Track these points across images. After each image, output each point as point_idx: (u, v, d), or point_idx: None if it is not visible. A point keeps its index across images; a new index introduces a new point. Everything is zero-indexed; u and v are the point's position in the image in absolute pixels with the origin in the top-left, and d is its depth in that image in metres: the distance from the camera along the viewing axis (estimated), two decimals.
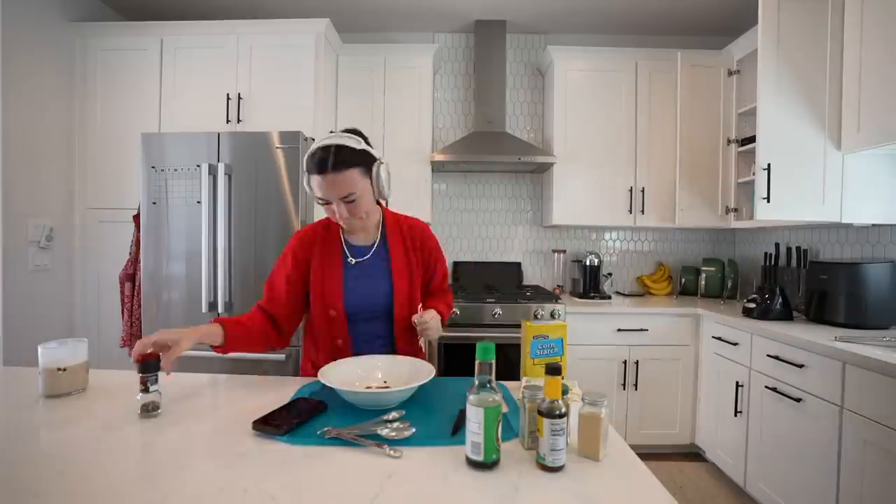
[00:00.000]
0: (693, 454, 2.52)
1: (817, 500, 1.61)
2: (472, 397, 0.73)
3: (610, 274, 3.02)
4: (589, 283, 2.82)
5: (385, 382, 1.07)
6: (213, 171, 2.22)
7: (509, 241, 3.12)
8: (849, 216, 1.97)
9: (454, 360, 2.41)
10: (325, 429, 0.83)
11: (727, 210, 2.69)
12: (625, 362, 2.45)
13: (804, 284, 2.22)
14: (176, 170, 2.24)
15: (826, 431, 1.59)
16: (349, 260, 1.20)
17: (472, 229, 3.13)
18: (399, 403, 0.97)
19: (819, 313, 1.99)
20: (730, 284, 2.80)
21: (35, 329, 2.29)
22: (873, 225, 2.08)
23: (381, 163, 1.14)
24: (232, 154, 2.23)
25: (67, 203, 2.51)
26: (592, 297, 2.73)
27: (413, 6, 2.76)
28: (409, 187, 2.71)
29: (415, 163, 2.73)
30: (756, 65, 2.06)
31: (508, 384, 1.13)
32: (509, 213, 3.13)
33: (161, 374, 0.95)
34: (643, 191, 2.74)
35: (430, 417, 0.91)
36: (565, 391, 0.89)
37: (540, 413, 0.74)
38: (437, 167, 2.86)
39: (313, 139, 2.43)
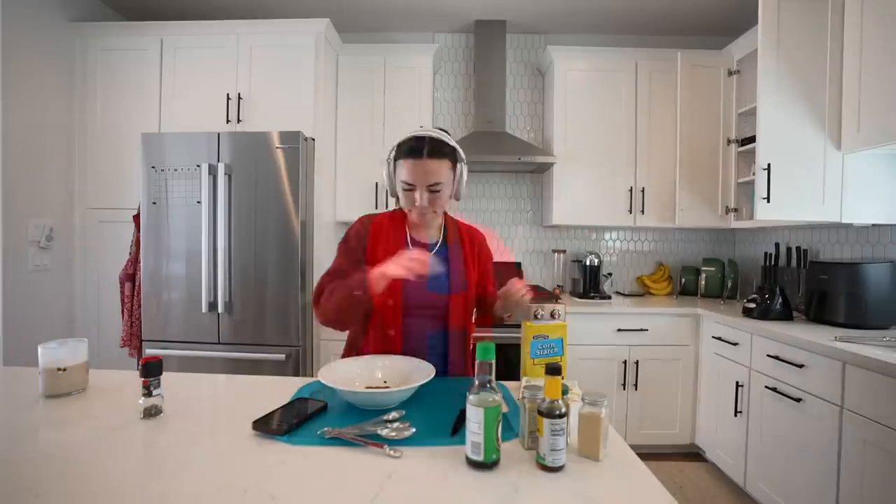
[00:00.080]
0: (693, 454, 2.52)
1: (817, 500, 1.61)
2: (472, 397, 0.73)
3: (610, 274, 3.02)
4: (589, 283, 2.82)
5: (385, 382, 1.07)
6: (213, 171, 2.22)
7: (509, 241, 3.12)
8: (849, 216, 1.97)
9: None
10: (325, 429, 0.83)
11: (727, 210, 2.69)
12: (625, 362, 2.45)
13: (804, 284, 2.22)
14: (176, 170, 2.24)
15: (826, 431, 1.59)
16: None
17: None
18: (399, 403, 0.97)
19: (819, 313, 1.99)
20: (730, 284, 2.80)
21: (35, 329, 2.29)
22: (873, 225, 2.08)
23: (464, 164, 1.20)
24: (232, 154, 2.23)
25: (67, 203, 2.51)
26: (592, 297, 2.73)
27: (413, 6, 2.76)
28: None
29: None
30: (756, 65, 2.06)
31: (508, 384, 1.13)
32: (509, 213, 3.13)
33: (163, 378, 0.95)
34: (643, 191, 2.74)
35: (430, 417, 0.91)
36: (565, 391, 0.89)
37: (540, 413, 0.74)
38: None
39: (313, 139, 2.43)
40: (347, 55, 2.73)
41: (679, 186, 2.67)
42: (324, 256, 2.57)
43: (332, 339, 2.44)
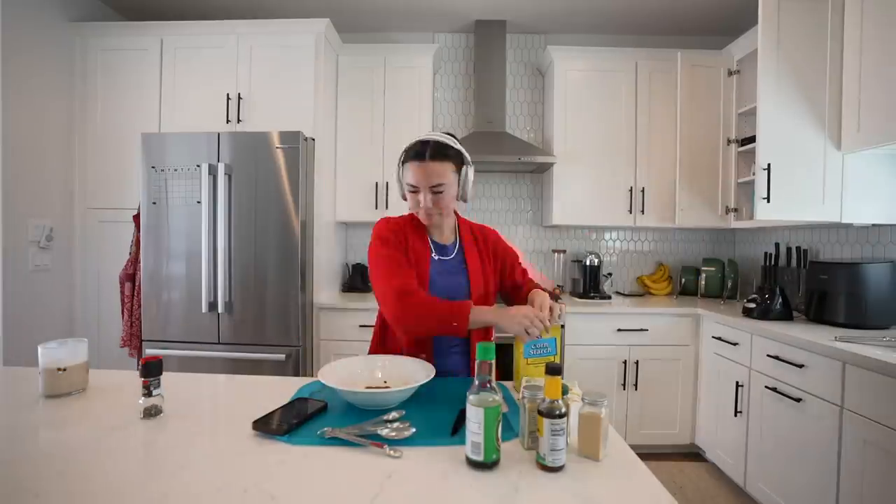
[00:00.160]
0: (693, 454, 2.52)
1: (817, 500, 1.61)
2: (472, 397, 0.73)
3: (610, 274, 3.02)
4: (589, 283, 2.82)
5: (385, 382, 1.07)
6: (213, 171, 2.22)
7: (509, 241, 3.12)
8: (849, 216, 1.97)
9: None
10: (325, 429, 0.83)
11: (727, 210, 2.69)
12: (625, 362, 2.45)
13: (804, 284, 2.22)
14: (176, 170, 2.24)
15: (826, 431, 1.59)
16: (434, 256, 1.25)
17: None
18: (399, 403, 0.97)
19: (819, 313, 1.99)
20: (730, 284, 2.80)
21: (35, 329, 2.30)
22: (873, 225, 2.08)
23: (470, 166, 1.23)
24: (232, 154, 2.23)
25: (67, 203, 2.51)
26: (592, 297, 2.73)
27: (413, 6, 2.76)
28: None
29: None
30: (756, 65, 2.06)
31: (508, 384, 1.14)
32: (509, 213, 3.13)
33: (163, 378, 0.95)
34: (643, 191, 2.74)
35: (430, 417, 0.91)
36: (565, 391, 0.89)
37: (540, 413, 0.74)
38: None
39: (313, 139, 2.43)
40: (347, 55, 2.73)
41: (679, 186, 2.67)
42: (324, 256, 2.58)
43: (331, 340, 2.44)
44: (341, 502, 0.64)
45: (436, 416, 0.92)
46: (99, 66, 2.52)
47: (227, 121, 2.47)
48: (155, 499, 0.64)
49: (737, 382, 2.08)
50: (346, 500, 0.65)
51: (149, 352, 2.24)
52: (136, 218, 2.32)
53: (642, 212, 2.75)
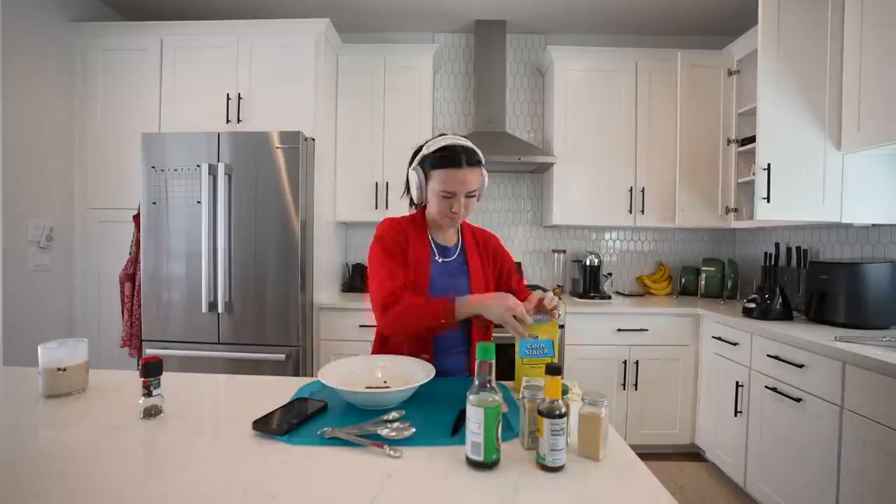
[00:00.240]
0: (693, 454, 2.52)
1: (817, 500, 1.61)
2: (472, 397, 0.73)
3: (610, 274, 3.02)
4: (589, 283, 2.82)
5: (385, 382, 1.07)
6: (213, 171, 2.22)
7: (509, 241, 3.12)
8: (849, 216, 1.97)
9: None
10: (325, 429, 0.83)
11: (727, 210, 2.69)
12: (625, 362, 2.45)
13: (804, 284, 2.22)
14: (176, 170, 2.24)
15: (826, 431, 1.59)
16: (436, 258, 1.26)
17: None
18: (399, 403, 0.97)
19: (819, 313, 1.99)
20: (730, 284, 2.80)
21: (35, 329, 2.29)
22: (873, 225, 2.08)
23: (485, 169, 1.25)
24: (232, 154, 2.23)
25: (67, 203, 2.51)
26: (592, 297, 2.73)
27: (413, 6, 2.76)
28: None
29: None
30: (756, 65, 2.06)
31: (508, 384, 1.14)
32: (509, 213, 3.13)
33: (163, 378, 0.95)
34: (643, 191, 2.74)
35: (430, 417, 0.91)
36: (565, 391, 0.89)
37: (540, 413, 0.74)
38: None
39: (313, 139, 2.43)
40: (347, 55, 2.73)
41: (679, 186, 2.67)
42: (324, 256, 2.58)
43: (331, 340, 2.44)
44: (341, 502, 0.64)
45: (436, 416, 0.92)
46: (99, 66, 2.52)
47: (227, 121, 2.47)
48: (155, 499, 0.64)
49: (737, 382, 2.08)
50: (346, 500, 0.65)
51: (149, 352, 2.24)
52: (136, 218, 2.32)
53: (642, 212, 2.75)
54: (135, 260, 2.33)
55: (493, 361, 0.77)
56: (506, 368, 1.17)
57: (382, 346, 1.26)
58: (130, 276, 2.33)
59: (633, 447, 0.84)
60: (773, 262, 2.37)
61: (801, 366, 1.71)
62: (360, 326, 2.41)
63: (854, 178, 1.96)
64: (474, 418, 0.72)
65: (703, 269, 2.90)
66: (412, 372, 1.06)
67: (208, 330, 2.25)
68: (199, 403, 1.04)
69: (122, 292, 2.34)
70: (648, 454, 2.44)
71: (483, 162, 1.21)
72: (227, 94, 2.47)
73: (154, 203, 2.26)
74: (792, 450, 1.76)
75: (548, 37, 3.10)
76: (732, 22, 2.83)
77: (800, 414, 1.72)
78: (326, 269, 2.65)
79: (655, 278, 3.03)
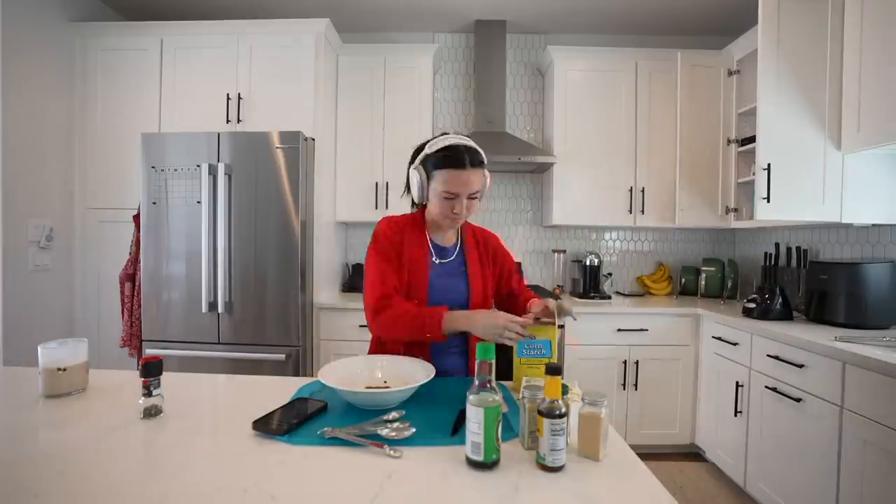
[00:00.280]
0: (693, 454, 2.51)
1: (817, 500, 1.61)
2: (472, 397, 0.73)
3: (610, 274, 3.02)
4: (589, 283, 2.82)
5: (385, 382, 1.07)
6: (213, 171, 2.22)
7: (509, 241, 3.12)
8: (849, 216, 1.97)
9: None
10: (325, 429, 0.83)
11: (727, 210, 2.69)
12: (625, 362, 2.45)
13: (804, 284, 2.22)
14: (176, 170, 2.24)
15: (826, 431, 1.59)
16: (434, 259, 1.24)
17: None
18: (399, 403, 0.97)
19: (819, 313, 1.99)
20: (730, 284, 2.80)
21: (35, 329, 2.29)
22: (873, 225, 2.08)
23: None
24: (232, 154, 2.23)
25: (67, 203, 2.51)
26: (592, 297, 2.73)
27: (413, 6, 2.76)
28: None
29: None
30: (756, 65, 2.06)
31: (508, 384, 1.14)
32: (509, 213, 3.13)
33: (163, 378, 0.95)
34: (643, 191, 2.74)
35: (430, 417, 0.91)
36: (565, 391, 0.89)
37: (540, 413, 0.74)
38: None
39: (313, 139, 2.43)
40: (347, 55, 2.73)
41: (679, 186, 2.67)
42: (324, 256, 2.58)
43: (331, 340, 2.44)
44: (341, 502, 0.64)
45: (436, 416, 0.92)
46: (99, 66, 2.52)
47: (227, 121, 2.47)
48: (155, 499, 0.64)
49: (737, 382, 2.08)
50: (346, 500, 0.65)
51: (149, 352, 2.24)
52: (136, 218, 2.32)
53: (642, 212, 2.75)
54: (135, 260, 2.33)
55: (493, 361, 0.77)
56: (503, 368, 1.17)
57: (380, 347, 1.25)
58: (130, 276, 2.33)
59: (633, 447, 0.84)
60: (773, 262, 2.37)
61: (801, 366, 1.71)
62: (360, 326, 2.41)
63: (854, 178, 1.96)
64: (474, 418, 0.72)
65: (703, 269, 2.90)
66: (412, 372, 1.06)
67: (208, 330, 2.25)
68: (199, 403, 1.04)
69: (122, 292, 2.34)
70: (648, 454, 2.44)
71: (486, 162, 1.19)
72: (227, 94, 2.47)
73: (154, 203, 2.26)
74: (792, 450, 1.76)
75: (548, 37, 3.10)
76: (732, 22, 2.83)
77: (800, 414, 1.72)
78: (326, 269, 2.65)
79: (655, 278, 3.03)
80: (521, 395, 0.82)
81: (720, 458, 2.24)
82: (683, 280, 2.98)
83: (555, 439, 0.72)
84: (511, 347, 1.06)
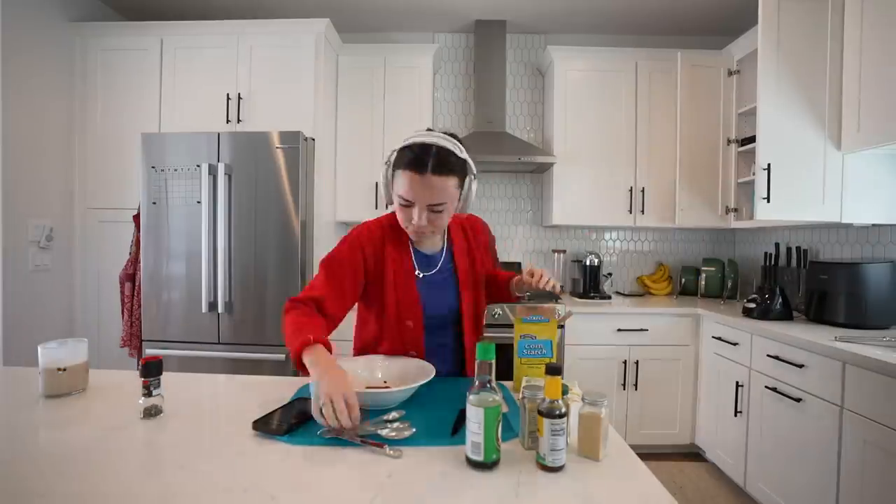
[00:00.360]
0: (693, 454, 2.51)
1: (817, 500, 1.61)
2: (472, 397, 0.73)
3: (610, 274, 3.02)
4: (589, 283, 2.82)
5: (385, 382, 1.07)
6: (213, 171, 2.22)
7: (509, 240, 3.12)
8: (849, 216, 1.97)
9: None
10: (325, 429, 0.83)
11: (727, 210, 2.69)
12: (625, 362, 2.45)
13: (804, 284, 2.22)
14: (176, 170, 2.24)
15: (826, 431, 1.59)
16: (417, 273, 1.13)
17: None
18: (399, 403, 0.97)
19: (819, 313, 1.99)
20: (730, 284, 2.80)
21: (35, 329, 2.29)
22: (873, 225, 2.08)
23: (475, 178, 1.05)
24: (232, 154, 2.23)
25: (67, 203, 2.51)
26: (592, 297, 2.73)
27: (413, 6, 2.76)
28: None
29: None
30: (756, 65, 2.06)
31: (508, 384, 1.13)
32: (509, 213, 3.13)
33: (163, 378, 0.95)
34: (643, 191, 2.74)
35: (430, 417, 0.91)
36: (565, 391, 0.89)
37: (540, 413, 0.73)
38: None
39: (313, 139, 2.43)
40: (347, 55, 2.73)
41: (679, 186, 2.67)
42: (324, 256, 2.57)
43: (331, 340, 2.43)
44: (341, 502, 0.64)
45: (436, 416, 0.92)
46: (99, 66, 2.52)
47: (227, 121, 2.47)
48: (155, 499, 0.64)
49: (737, 382, 2.08)
50: (346, 500, 0.65)
51: (149, 352, 2.24)
52: (136, 218, 2.32)
53: (642, 212, 2.75)
54: (135, 260, 2.33)
55: (493, 361, 0.77)
56: (503, 368, 1.17)
57: (364, 352, 1.20)
58: (130, 276, 2.33)
59: (633, 447, 0.84)
60: (773, 262, 2.37)
61: (801, 366, 1.71)
62: None
63: (854, 178, 1.96)
64: (474, 418, 0.72)
65: (703, 269, 2.90)
66: (412, 372, 1.06)
67: (208, 330, 2.25)
68: (199, 403, 1.04)
69: (122, 292, 2.34)
70: (648, 454, 2.44)
71: (468, 167, 1.02)
72: (227, 94, 2.47)
73: (154, 203, 2.26)
74: (792, 450, 1.76)
75: (548, 37, 3.10)
76: (732, 22, 2.83)
77: (800, 414, 1.72)
78: None
79: (655, 278, 3.03)
80: (521, 395, 0.82)
81: (720, 458, 2.24)
82: (683, 280, 2.98)
83: (555, 439, 0.72)
84: (511, 347, 1.05)
